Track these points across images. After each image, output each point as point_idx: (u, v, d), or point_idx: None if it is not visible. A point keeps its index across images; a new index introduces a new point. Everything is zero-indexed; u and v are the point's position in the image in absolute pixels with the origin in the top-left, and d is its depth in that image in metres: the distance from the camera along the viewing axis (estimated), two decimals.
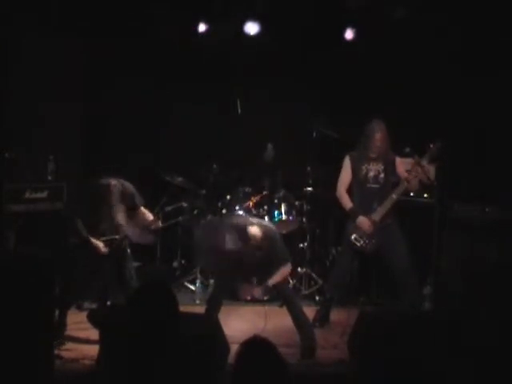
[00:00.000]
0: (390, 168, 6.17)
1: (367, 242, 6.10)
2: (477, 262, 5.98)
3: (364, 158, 6.19)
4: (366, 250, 6.15)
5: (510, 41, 7.00)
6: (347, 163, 6.26)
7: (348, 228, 6.21)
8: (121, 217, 5.87)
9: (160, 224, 6.07)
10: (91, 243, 5.70)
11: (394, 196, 6.06)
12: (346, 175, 6.27)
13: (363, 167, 6.18)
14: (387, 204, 6.07)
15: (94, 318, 4.32)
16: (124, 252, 5.87)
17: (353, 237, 6.13)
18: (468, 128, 7.29)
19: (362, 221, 6.10)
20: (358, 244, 6.12)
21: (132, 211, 6.00)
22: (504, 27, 7.00)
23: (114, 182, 5.89)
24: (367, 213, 6.11)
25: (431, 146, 5.95)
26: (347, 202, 6.21)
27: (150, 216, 6.08)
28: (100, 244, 5.73)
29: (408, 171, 6.03)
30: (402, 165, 6.16)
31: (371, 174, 6.16)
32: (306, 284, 7.29)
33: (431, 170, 6.09)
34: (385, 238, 6.10)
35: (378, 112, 6.29)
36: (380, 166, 6.16)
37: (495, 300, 5.58)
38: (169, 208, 6.26)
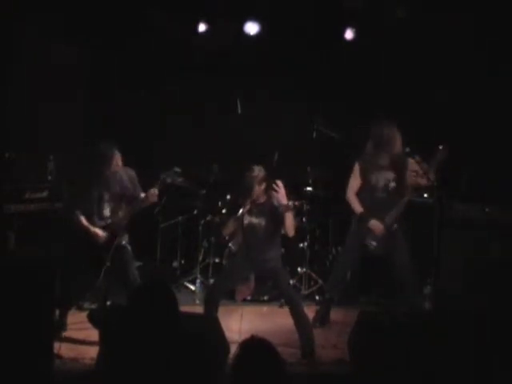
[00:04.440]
0: (401, 175, 6.10)
1: (379, 245, 6.12)
2: (477, 262, 5.98)
3: (375, 165, 6.14)
4: (376, 253, 6.17)
5: (510, 39, 7.01)
6: (356, 170, 6.23)
7: (356, 227, 6.22)
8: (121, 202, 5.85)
9: (156, 193, 5.88)
10: (90, 232, 5.70)
11: (406, 199, 6.06)
12: (355, 181, 6.24)
13: (373, 176, 6.13)
14: (400, 206, 6.06)
15: (94, 318, 4.32)
16: (125, 252, 5.85)
17: (367, 240, 6.14)
18: (468, 127, 7.29)
19: (375, 224, 6.09)
20: (372, 247, 6.14)
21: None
22: (505, 26, 7.01)
23: (118, 153, 5.80)
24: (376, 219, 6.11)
25: (437, 152, 5.86)
26: (357, 207, 6.18)
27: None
28: (98, 231, 5.72)
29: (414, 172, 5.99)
30: (412, 175, 6.10)
31: (381, 183, 6.11)
32: (306, 284, 7.29)
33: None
34: (390, 240, 6.10)
35: (378, 112, 6.29)
36: (390, 175, 6.11)
37: (496, 300, 5.58)
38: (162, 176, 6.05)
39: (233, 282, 6.02)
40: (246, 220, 5.61)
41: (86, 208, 5.78)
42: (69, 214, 5.84)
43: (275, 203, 5.54)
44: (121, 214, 5.81)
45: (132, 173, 5.93)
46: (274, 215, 5.59)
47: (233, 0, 7.49)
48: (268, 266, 5.64)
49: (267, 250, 5.61)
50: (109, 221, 5.78)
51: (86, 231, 5.71)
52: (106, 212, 5.81)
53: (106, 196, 5.80)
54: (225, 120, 7.89)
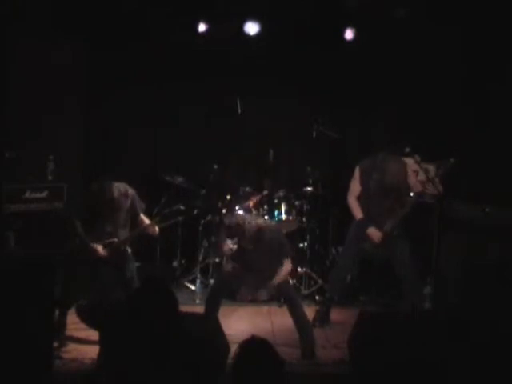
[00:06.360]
0: (401, 182, 6.09)
1: (377, 251, 6.13)
2: (476, 262, 5.98)
3: (375, 172, 6.14)
4: (375, 257, 6.18)
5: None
6: (356, 175, 6.24)
7: (355, 231, 6.22)
8: (124, 219, 5.87)
9: (157, 230, 6.04)
10: (89, 246, 5.70)
11: (405, 210, 6.07)
12: (355, 186, 6.26)
13: (371, 182, 6.14)
14: (399, 216, 6.07)
15: (83, 315, 4.32)
16: (124, 253, 5.87)
17: (365, 245, 6.15)
18: (468, 127, 7.29)
19: (372, 232, 6.10)
20: (369, 252, 6.16)
21: (132, 216, 5.99)
22: (506, 28, 7.01)
23: (117, 184, 5.87)
24: (375, 225, 6.11)
25: (447, 164, 5.84)
26: (357, 212, 6.21)
27: (147, 221, 6.07)
28: (98, 247, 5.72)
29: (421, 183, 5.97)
30: (414, 175, 6.08)
31: (381, 191, 6.09)
32: (306, 284, 7.28)
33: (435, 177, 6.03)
34: (391, 243, 6.11)
35: (378, 112, 6.29)
36: (391, 182, 6.09)
37: (495, 300, 5.58)
38: (166, 211, 6.32)
39: (234, 283, 6.02)
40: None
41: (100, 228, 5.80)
42: (70, 225, 5.85)
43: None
44: (122, 234, 5.83)
45: (130, 190, 5.95)
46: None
47: (233, 0, 7.49)
48: None
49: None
50: (111, 239, 5.79)
51: (85, 245, 5.71)
52: (107, 231, 5.79)
53: (108, 217, 5.81)
54: (225, 120, 7.88)
